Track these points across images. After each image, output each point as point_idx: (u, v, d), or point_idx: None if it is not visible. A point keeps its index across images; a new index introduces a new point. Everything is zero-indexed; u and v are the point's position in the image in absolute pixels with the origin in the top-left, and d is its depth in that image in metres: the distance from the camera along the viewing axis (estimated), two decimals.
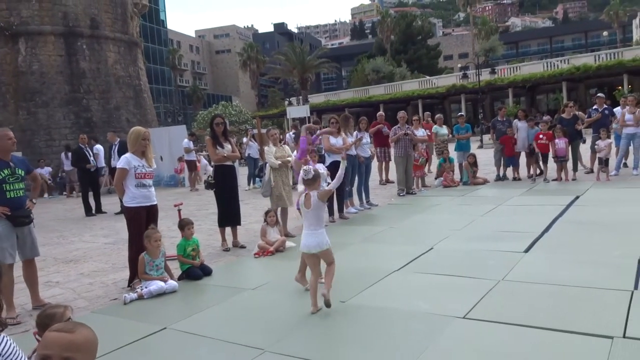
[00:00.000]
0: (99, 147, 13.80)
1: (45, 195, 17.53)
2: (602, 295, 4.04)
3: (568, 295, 4.11)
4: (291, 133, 14.31)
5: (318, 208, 4.19)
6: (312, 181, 4.23)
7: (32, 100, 19.62)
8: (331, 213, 8.42)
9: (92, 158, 12.09)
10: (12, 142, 4.85)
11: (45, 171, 18.18)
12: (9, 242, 4.71)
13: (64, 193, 18.07)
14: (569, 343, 3.26)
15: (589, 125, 11.66)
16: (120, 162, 5.48)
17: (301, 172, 4.28)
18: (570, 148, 10.90)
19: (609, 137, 10.95)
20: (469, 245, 6.02)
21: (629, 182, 10.06)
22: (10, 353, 1.83)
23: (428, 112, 15.35)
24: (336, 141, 8.48)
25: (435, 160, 13.43)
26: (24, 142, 18.69)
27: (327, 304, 4.05)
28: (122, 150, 5.72)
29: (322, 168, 7.86)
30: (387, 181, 12.94)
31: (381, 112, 13.45)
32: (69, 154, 15.38)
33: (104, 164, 13.92)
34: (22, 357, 1.84)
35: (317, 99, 51.48)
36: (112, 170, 10.67)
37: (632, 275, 4.43)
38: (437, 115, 13.12)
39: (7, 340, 1.85)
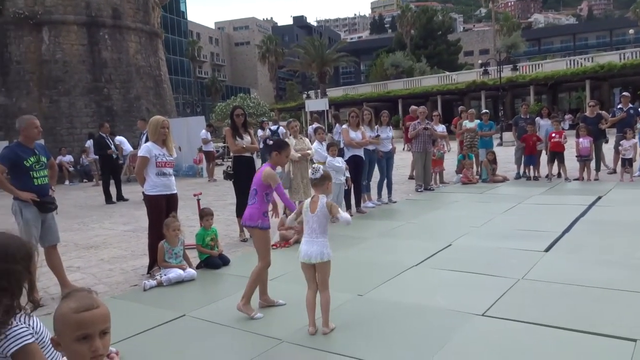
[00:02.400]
0: (120, 138, 13.88)
1: (67, 182, 17.81)
2: (624, 297, 3.98)
3: (589, 296, 4.05)
4: (312, 126, 14.36)
5: (323, 216, 3.72)
6: (320, 182, 3.79)
7: (54, 88, 19.87)
8: (348, 207, 8.41)
9: (112, 146, 12.25)
10: (38, 131, 4.88)
11: (67, 159, 18.48)
12: (36, 228, 4.79)
13: (85, 180, 18.33)
14: (590, 345, 3.22)
15: (612, 125, 11.45)
16: (142, 151, 5.54)
17: (310, 171, 3.91)
18: (593, 147, 10.72)
19: (634, 137, 10.74)
20: (487, 242, 5.97)
21: None
22: (41, 333, 1.87)
23: (472, 110, 14.26)
24: (356, 135, 8.46)
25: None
26: (46, 129, 18.83)
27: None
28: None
29: (340, 162, 7.88)
30: None
31: (415, 107, 12.83)
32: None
33: (128, 152, 13.97)
34: (48, 336, 1.87)
35: (336, 92, 51.32)
36: None
37: None
38: (470, 110, 12.86)
39: (37, 320, 1.89)
